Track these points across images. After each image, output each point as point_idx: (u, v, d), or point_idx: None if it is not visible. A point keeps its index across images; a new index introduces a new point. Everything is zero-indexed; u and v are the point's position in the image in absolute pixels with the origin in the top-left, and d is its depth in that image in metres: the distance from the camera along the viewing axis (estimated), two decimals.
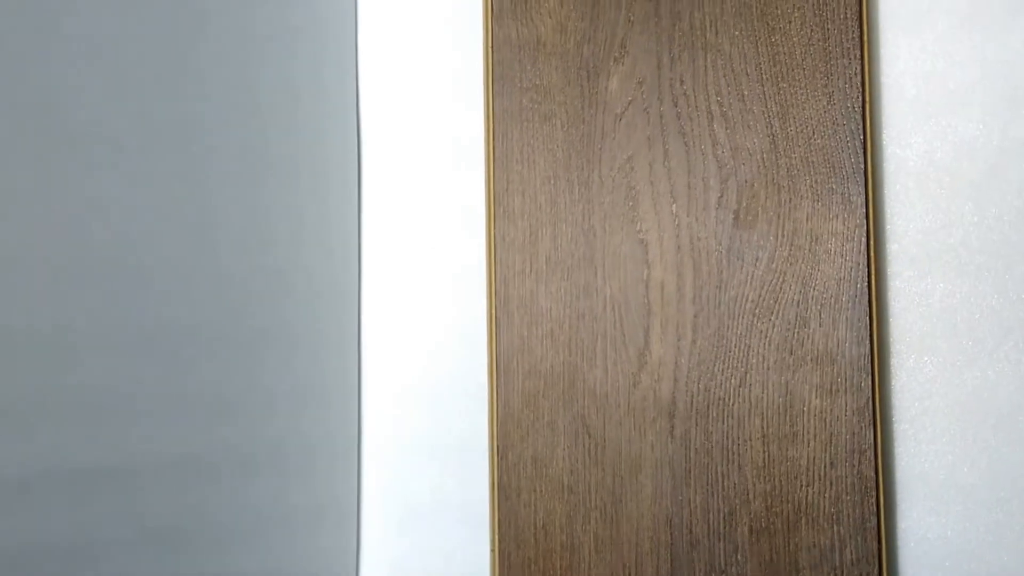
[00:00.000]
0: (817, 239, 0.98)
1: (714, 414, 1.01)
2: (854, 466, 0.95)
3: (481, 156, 1.14)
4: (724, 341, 1.01)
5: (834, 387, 0.96)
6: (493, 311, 1.10)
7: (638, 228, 1.05)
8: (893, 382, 0.96)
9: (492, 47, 1.13)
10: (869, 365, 0.95)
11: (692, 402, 1.01)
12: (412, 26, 1.21)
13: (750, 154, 1.01)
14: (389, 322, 1.18)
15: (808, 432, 0.97)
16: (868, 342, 0.95)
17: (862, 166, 0.96)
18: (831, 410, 0.96)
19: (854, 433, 0.95)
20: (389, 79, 1.21)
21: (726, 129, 1.02)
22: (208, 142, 1.04)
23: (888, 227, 0.97)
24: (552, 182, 1.09)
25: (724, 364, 1.00)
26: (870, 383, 0.95)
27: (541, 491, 1.07)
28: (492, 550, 1.09)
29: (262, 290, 1.09)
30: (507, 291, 1.10)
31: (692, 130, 1.03)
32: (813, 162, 0.98)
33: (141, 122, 0.98)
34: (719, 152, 1.02)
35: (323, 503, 1.15)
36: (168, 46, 1.01)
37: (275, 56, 1.13)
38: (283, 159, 1.12)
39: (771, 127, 1.00)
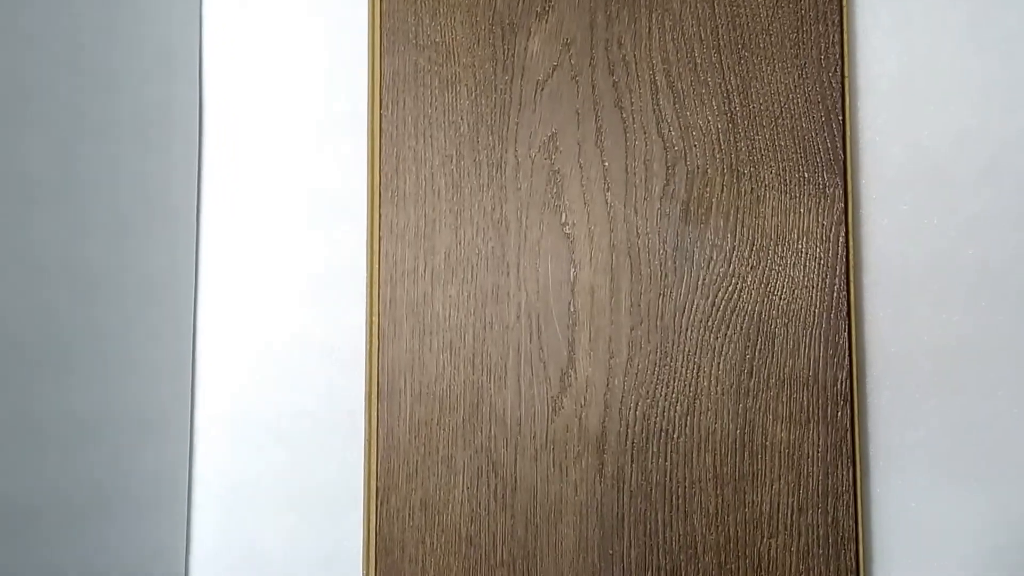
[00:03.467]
0: (784, 238, 0.74)
1: (655, 449, 0.75)
2: (827, 513, 0.72)
3: (363, 128, 0.85)
4: (668, 360, 0.75)
5: (804, 417, 0.73)
6: (375, 319, 0.81)
7: (562, 220, 0.78)
8: (871, 411, 0.73)
9: None
10: (848, 391, 0.72)
11: (627, 434, 0.76)
12: None
13: (703, 134, 0.76)
14: (234, 332, 0.86)
15: (771, 472, 0.73)
16: (848, 363, 0.72)
17: (840, 153, 0.74)
18: (800, 445, 0.73)
19: (828, 473, 0.72)
20: (243, 27, 0.89)
21: (674, 104, 0.77)
22: (13, 96, 0.70)
23: (865, 228, 0.75)
24: (455, 162, 0.81)
25: (668, 388, 0.75)
26: (848, 412, 0.72)
27: (432, 544, 0.78)
28: None
29: (74, 287, 0.75)
30: (393, 294, 0.80)
31: (632, 104, 0.78)
32: (781, 146, 0.75)
33: None
34: (665, 131, 0.77)
35: (142, 557, 0.82)
36: None
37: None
38: (102, 126, 0.79)
39: (729, 103, 0.76)
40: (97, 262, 0.76)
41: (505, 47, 0.80)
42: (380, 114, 0.82)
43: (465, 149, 0.80)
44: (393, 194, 0.81)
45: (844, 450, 0.71)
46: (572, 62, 0.79)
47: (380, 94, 0.82)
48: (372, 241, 0.81)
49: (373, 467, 0.79)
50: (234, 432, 0.84)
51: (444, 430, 0.78)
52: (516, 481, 0.77)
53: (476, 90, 0.80)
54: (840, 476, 0.71)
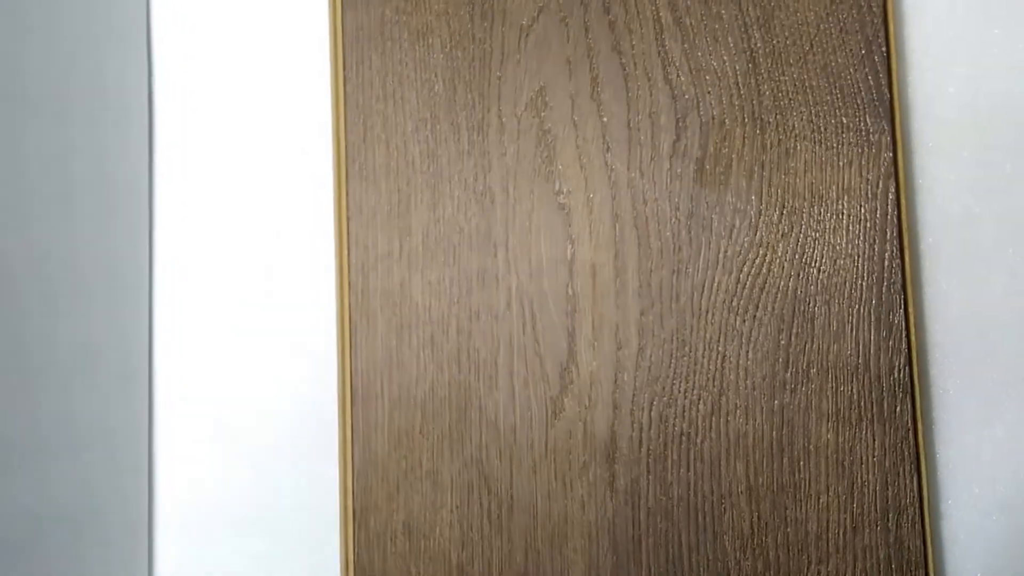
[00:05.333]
0: (821, 198, 0.61)
1: (674, 457, 0.62)
2: (888, 531, 0.58)
3: (326, 92, 0.73)
4: (686, 349, 0.62)
5: (854, 414, 0.59)
6: (346, 312, 0.69)
7: (556, 189, 0.66)
8: (936, 404, 0.60)
9: None
10: (907, 381, 0.59)
11: (641, 439, 0.63)
12: None
13: (718, 78, 0.63)
14: (193, 334, 0.74)
15: (817, 482, 0.60)
16: (905, 346, 0.59)
17: (885, 91, 0.60)
18: (851, 448, 0.59)
19: (887, 482, 0.58)
20: None
21: (682, 43, 0.64)
22: None
23: (920, 181, 0.61)
24: (430, 127, 0.68)
25: (687, 383, 0.62)
26: (909, 407, 0.58)
27: (419, 574, 0.66)
28: None
29: (23, 288, 0.64)
30: (366, 283, 0.68)
31: (633, 47, 0.65)
32: (812, 87, 0.61)
33: None
34: (673, 77, 0.64)
35: None
36: None
37: None
38: (49, 120, 0.68)
39: (748, 39, 0.63)
40: (45, 258, 0.65)
41: None
42: (343, 76, 0.70)
43: (441, 111, 0.68)
44: (361, 167, 0.69)
45: (906, 453, 0.58)
46: (560, 1, 0.66)
47: (343, 53, 0.70)
48: (340, 223, 0.69)
49: (349, 484, 0.67)
50: (197, 445, 0.73)
51: (428, 439, 0.66)
52: (512, 499, 0.65)
53: (451, 41, 0.68)
54: (902, 486, 0.58)
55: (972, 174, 0.59)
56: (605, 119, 0.65)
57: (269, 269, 0.72)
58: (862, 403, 0.59)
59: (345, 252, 0.69)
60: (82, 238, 0.70)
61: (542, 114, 0.66)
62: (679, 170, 0.63)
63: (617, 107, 0.64)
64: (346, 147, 0.69)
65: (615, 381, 0.63)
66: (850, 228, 0.60)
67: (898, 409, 0.58)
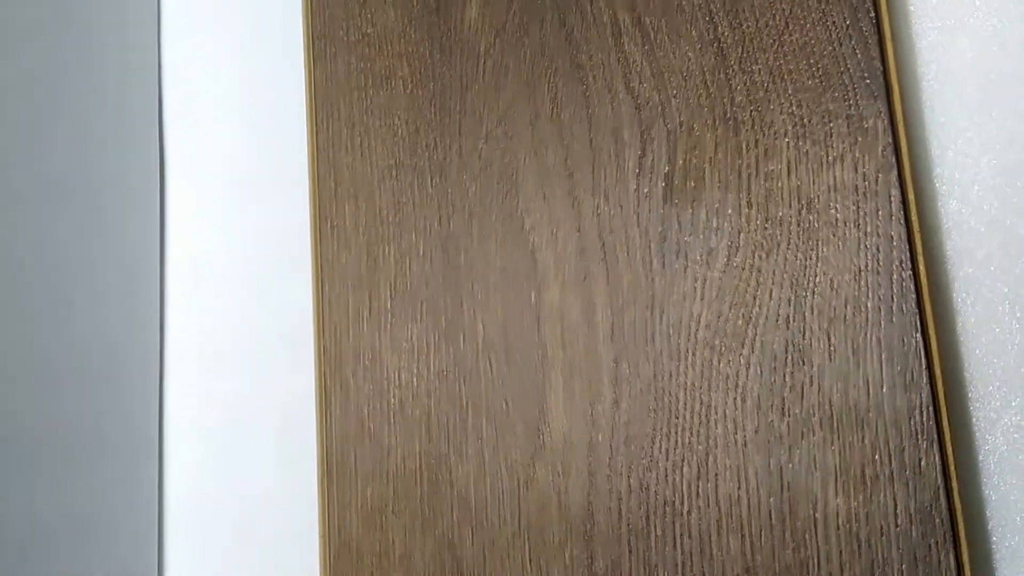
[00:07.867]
0: (811, 204, 0.49)
1: (658, 531, 0.50)
2: None
3: (303, 149, 0.69)
4: (665, 400, 0.51)
5: (869, 471, 0.45)
6: (322, 380, 0.62)
7: (521, 227, 0.57)
8: (981, 454, 0.45)
9: None
10: (931, 426, 0.44)
11: (620, 512, 0.51)
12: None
13: (683, 78, 0.53)
14: (201, 408, 0.71)
15: (828, 561, 0.46)
16: (926, 380, 0.45)
17: (878, 63, 0.48)
18: (867, 515, 0.45)
19: (916, 559, 0.44)
20: (200, 73, 0.76)
21: (642, 44, 0.54)
22: None
23: (937, 170, 0.47)
24: (395, 174, 0.62)
25: (668, 441, 0.51)
26: (937, 460, 0.44)
27: None
28: None
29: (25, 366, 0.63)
30: (338, 347, 0.62)
31: (591, 58, 0.56)
32: (790, 72, 0.50)
33: None
34: (634, 83, 0.54)
35: None
36: None
37: (72, 54, 0.70)
38: (78, 195, 0.68)
39: (714, 29, 0.52)
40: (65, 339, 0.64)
41: (442, 22, 0.61)
42: (316, 130, 0.65)
43: (404, 156, 0.61)
44: (333, 225, 0.64)
45: (937, 521, 0.43)
46: (517, 21, 0.59)
47: (315, 106, 0.66)
48: (316, 286, 0.64)
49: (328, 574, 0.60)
50: (204, 531, 0.69)
51: (400, 519, 0.58)
52: None
53: (412, 81, 0.62)
54: (935, 563, 0.43)
55: (1010, 156, 0.45)
56: (566, 142, 0.56)
57: (255, 344, 0.68)
58: (877, 457, 0.45)
59: (321, 317, 0.63)
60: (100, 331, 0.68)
61: (502, 146, 0.58)
62: (646, 189, 0.53)
63: (578, 127, 0.55)
64: (319, 204, 0.64)
65: (589, 443, 0.53)
66: (847, 236, 0.47)
67: (923, 462, 0.44)
